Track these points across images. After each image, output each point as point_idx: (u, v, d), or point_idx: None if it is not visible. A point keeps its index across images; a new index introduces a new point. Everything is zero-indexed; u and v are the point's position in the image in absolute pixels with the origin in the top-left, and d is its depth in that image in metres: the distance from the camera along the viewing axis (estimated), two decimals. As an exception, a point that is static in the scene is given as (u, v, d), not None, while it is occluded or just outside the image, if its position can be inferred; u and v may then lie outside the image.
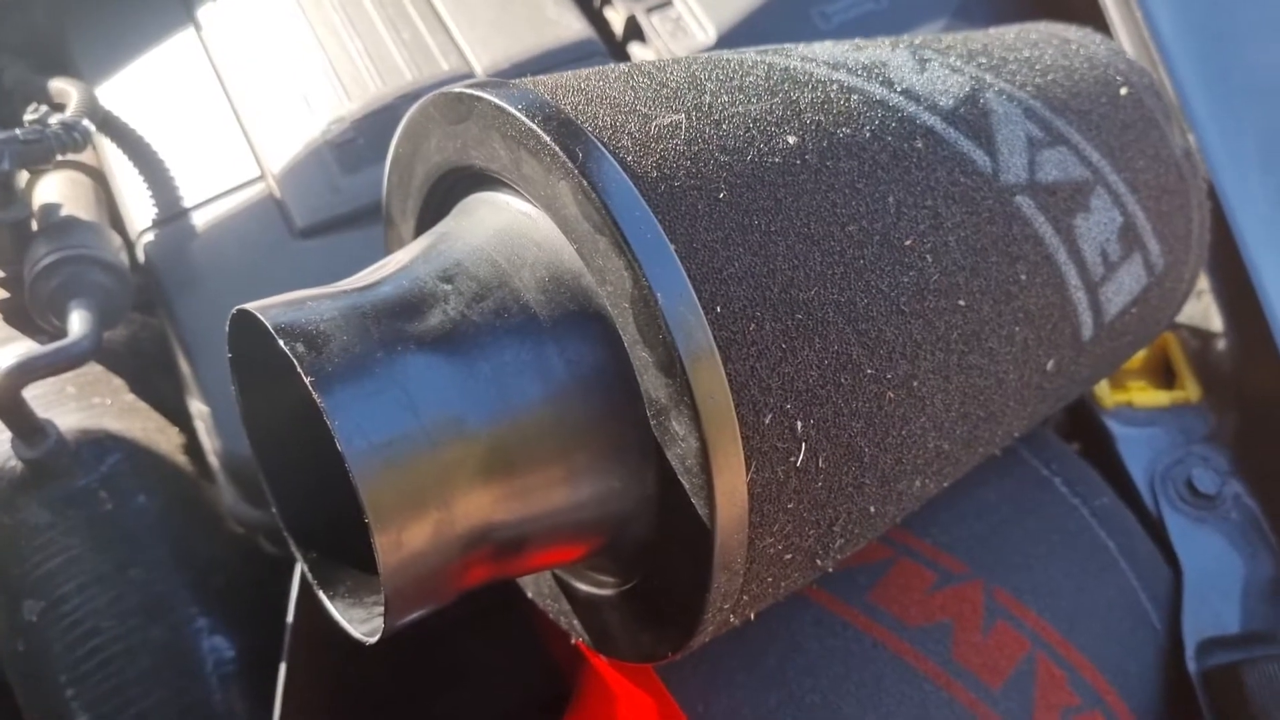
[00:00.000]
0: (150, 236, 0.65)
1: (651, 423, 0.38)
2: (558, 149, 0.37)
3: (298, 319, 0.37)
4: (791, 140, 0.41)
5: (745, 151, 0.40)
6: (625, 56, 0.77)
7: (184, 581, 0.59)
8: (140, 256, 0.65)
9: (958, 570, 0.53)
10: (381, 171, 0.49)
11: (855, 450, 0.40)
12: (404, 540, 0.36)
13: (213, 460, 0.61)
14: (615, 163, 0.37)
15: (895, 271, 0.41)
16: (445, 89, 0.42)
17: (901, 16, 0.74)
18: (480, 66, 0.69)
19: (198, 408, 0.61)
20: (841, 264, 0.39)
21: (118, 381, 0.65)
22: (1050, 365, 0.48)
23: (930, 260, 0.42)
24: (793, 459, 0.38)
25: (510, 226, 0.41)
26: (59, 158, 0.62)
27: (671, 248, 0.36)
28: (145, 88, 0.71)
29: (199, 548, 0.61)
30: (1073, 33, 0.56)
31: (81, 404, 0.62)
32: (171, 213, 0.65)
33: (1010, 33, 0.56)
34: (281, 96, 0.68)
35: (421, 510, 0.36)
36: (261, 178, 0.66)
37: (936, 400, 0.42)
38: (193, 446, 0.65)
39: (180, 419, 0.66)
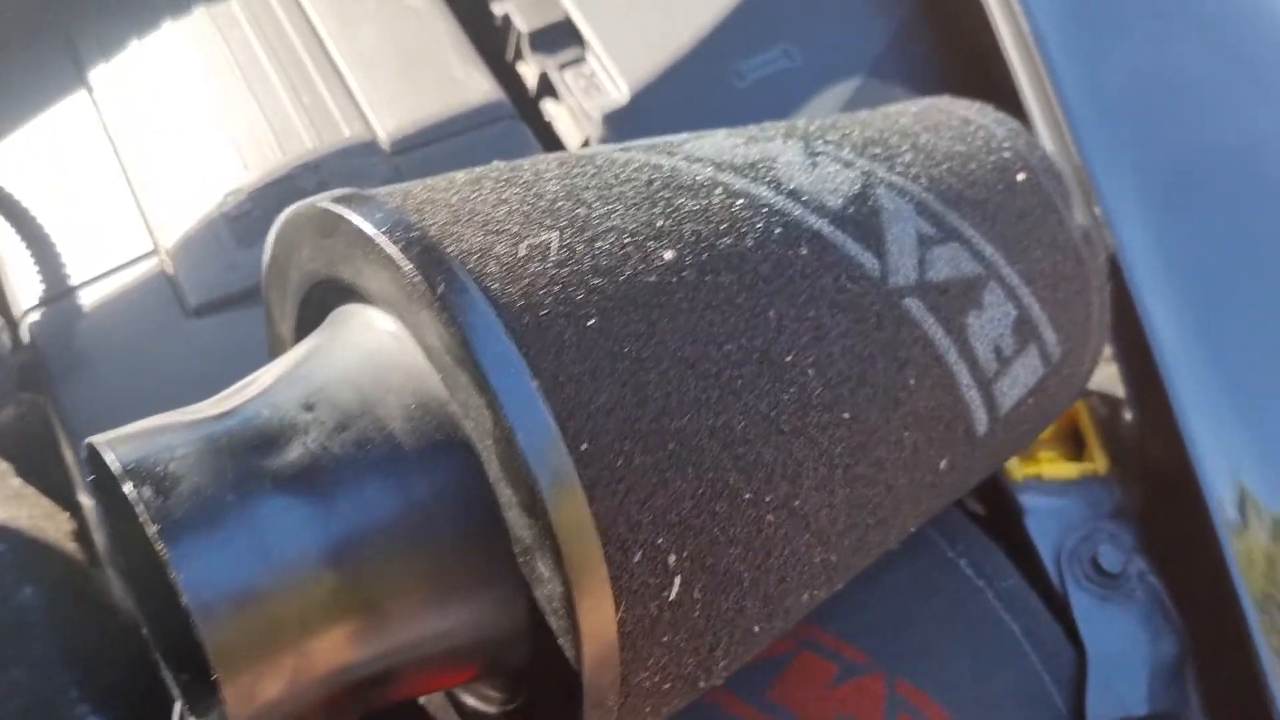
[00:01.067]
0: (35, 316, 0.62)
1: (519, 560, 0.36)
2: (419, 277, 0.36)
3: (147, 456, 0.35)
4: (669, 255, 0.40)
5: (619, 271, 0.39)
6: (538, 112, 0.75)
7: (72, 679, 0.56)
8: (24, 337, 0.62)
9: (860, 661, 0.52)
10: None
11: (734, 576, 0.39)
12: (256, 691, 0.34)
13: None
14: (479, 293, 0.36)
15: (775, 390, 0.40)
16: (311, 201, 0.40)
17: (816, 75, 0.74)
18: (384, 132, 0.68)
19: (85, 498, 0.59)
20: (717, 387, 0.38)
21: (3, 466, 0.63)
22: (943, 464, 0.47)
23: (813, 374, 0.41)
24: (665, 594, 0.37)
25: (377, 348, 0.39)
26: (-63, 234, 0.60)
27: (534, 385, 0.35)
28: (32, 154, 0.68)
29: (89, 641, 0.58)
30: (973, 111, 0.56)
31: (-37, 493, 0.60)
32: (58, 290, 0.63)
33: (910, 111, 0.55)
34: (177, 165, 0.66)
35: (275, 658, 0.35)
36: (154, 252, 0.64)
37: (821, 516, 0.42)
38: (84, 532, 0.62)
39: (73, 502, 0.63)
